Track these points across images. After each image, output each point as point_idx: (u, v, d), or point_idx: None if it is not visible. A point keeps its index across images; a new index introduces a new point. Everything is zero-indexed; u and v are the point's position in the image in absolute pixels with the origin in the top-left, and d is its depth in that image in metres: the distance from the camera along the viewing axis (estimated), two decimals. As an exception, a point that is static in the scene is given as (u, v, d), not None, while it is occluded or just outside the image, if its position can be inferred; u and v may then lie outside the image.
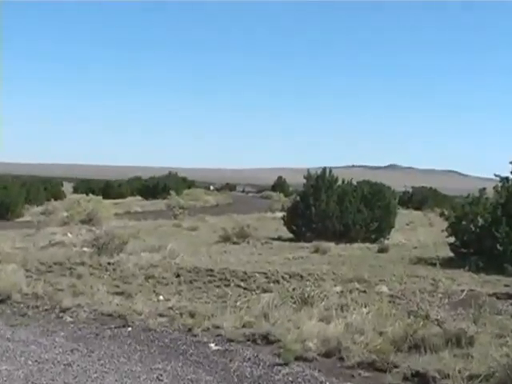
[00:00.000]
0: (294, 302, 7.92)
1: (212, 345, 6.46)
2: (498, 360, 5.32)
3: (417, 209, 48.12)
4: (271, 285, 10.10)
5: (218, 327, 6.93)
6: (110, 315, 7.62)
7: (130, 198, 58.40)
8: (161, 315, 7.51)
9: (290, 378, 5.51)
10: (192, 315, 7.37)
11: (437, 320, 6.28)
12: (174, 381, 5.45)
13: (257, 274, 11.12)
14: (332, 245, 17.29)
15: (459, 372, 5.21)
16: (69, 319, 7.56)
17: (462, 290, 9.44)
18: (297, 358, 5.92)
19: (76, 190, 74.98)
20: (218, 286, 9.94)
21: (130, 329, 7.08)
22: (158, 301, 8.42)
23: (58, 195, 52.80)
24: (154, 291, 9.25)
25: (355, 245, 18.64)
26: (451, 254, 15.02)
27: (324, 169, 22.10)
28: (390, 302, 8.69)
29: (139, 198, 56.95)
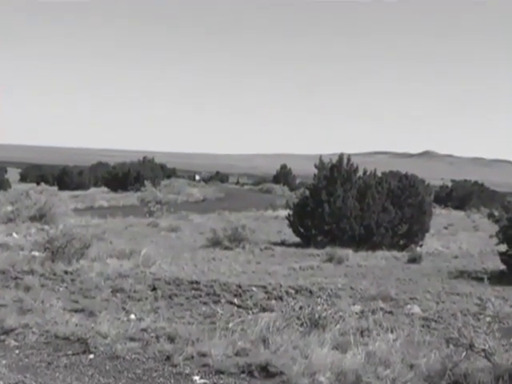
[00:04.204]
0: (301, 325, 7.90)
1: (196, 377, 6.44)
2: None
3: (458, 208, 48.28)
4: (272, 302, 10.09)
5: (204, 355, 6.90)
6: (66, 338, 7.59)
7: (93, 190, 58.49)
8: (132, 339, 7.48)
9: (296, 422, 5.49)
10: (171, 339, 7.35)
11: (484, 351, 6.26)
12: (148, 423, 5.42)
13: (254, 288, 11.12)
14: (350, 252, 17.32)
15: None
16: (13, 343, 7.51)
17: (516, 313, 9.42)
18: (304, 396, 5.89)
19: (24, 178, 75.04)
20: (205, 303, 9.93)
21: (91, 356, 7.05)
22: (129, 320, 8.39)
23: (1, 184, 52.79)
24: (124, 308, 9.21)
25: (379, 253, 18.66)
26: (502, 267, 15.03)
27: (341, 156, 22.09)
28: (423, 326, 8.70)
29: (105, 189, 57.00)
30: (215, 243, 18.56)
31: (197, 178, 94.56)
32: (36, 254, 14.00)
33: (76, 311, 8.84)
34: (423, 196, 22.69)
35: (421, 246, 20.59)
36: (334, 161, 22.04)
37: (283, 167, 79.29)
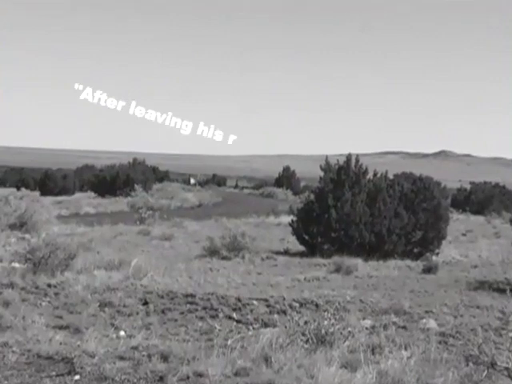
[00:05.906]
0: (307, 341, 7.90)
1: (192, 400, 6.43)
2: None
3: (477, 213, 48.29)
4: (275, 316, 10.09)
5: (200, 375, 6.89)
6: (49, 358, 7.57)
7: (78, 195, 58.55)
8: (121, 358, 7.47)
9: None
10: (165, 358, 7.34)
11: (507, 369, 6.25)
12: None
13: (255, 302, 11.10)
14: (359, 262, 17.32)
15: None
16: (-8, 363, 7.50)
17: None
18: (311, 420, 5.89)
19: (3, 183, 75.07)
20: (202, 318, 9.93)
21: (77, 377, 7.03)
22: (118, 338, 8.39)
23: (-22, 190, 52.78)
24: (112, 324, 9.22)
25: (391, 262, 18.65)
26: (526, 277, 15.02)
27: (348, 156, 22.09)
28: (440, 342, 8.68)
29: (92, 194, 57.05)
30: (212, 252, 18.54)
31: (192, 181, 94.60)
32: (16, 265, 13.98)
33: (60, 328, 8.83)
34: (439, 200, 22.69)
35: (437, 254, 20.58)
36: (342, 162, 22.03)
37: (286, 169, 79.34)
